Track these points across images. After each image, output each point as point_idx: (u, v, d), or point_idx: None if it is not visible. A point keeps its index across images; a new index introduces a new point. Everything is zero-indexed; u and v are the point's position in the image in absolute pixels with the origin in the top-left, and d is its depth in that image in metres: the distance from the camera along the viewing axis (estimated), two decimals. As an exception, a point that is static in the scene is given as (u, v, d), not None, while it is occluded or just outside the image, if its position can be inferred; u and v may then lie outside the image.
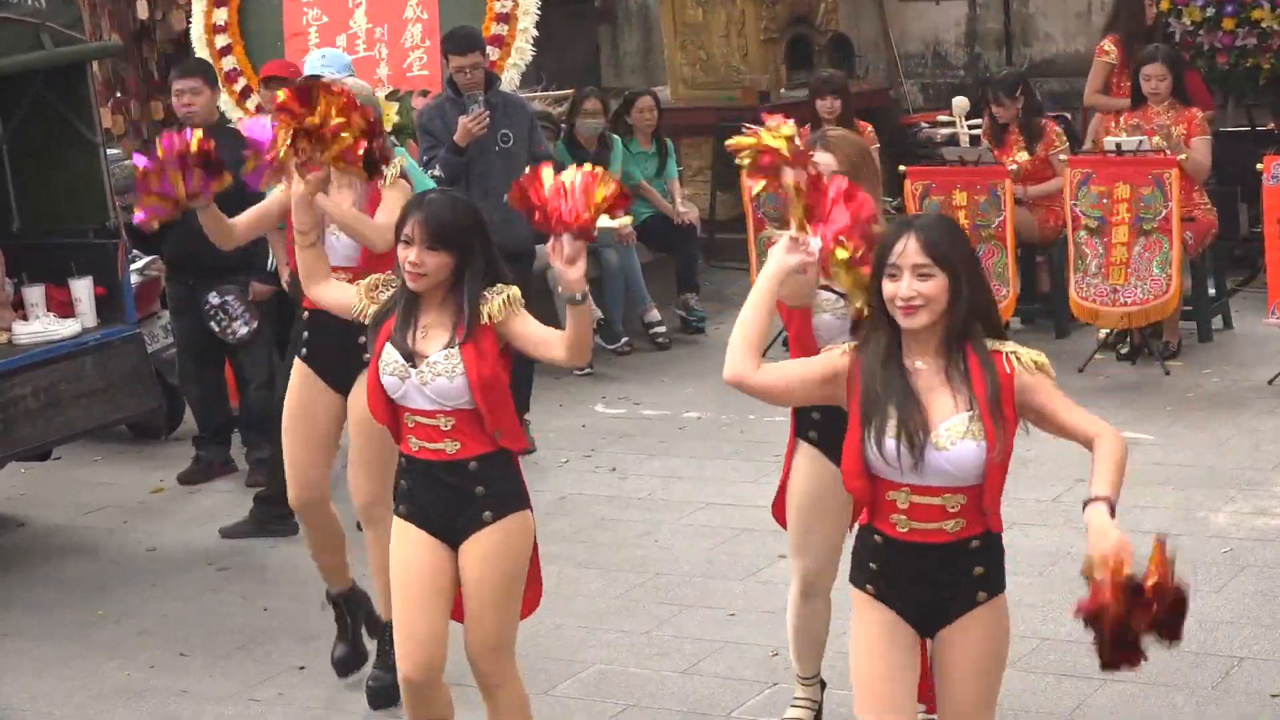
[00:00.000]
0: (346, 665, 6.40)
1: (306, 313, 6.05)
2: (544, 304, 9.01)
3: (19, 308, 8.01)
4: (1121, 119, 10.17)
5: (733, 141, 4.50)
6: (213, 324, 8.69)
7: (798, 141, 4.37)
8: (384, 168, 5.44)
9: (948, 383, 4.08)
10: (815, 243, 4.21)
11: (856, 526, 4.30)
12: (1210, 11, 11.46)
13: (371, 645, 6.39)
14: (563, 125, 11.36)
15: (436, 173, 8.68)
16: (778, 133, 4.37)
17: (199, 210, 5.66)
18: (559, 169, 4.48)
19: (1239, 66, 11.53)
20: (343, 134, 5.10)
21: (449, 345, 4.76)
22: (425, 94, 9.72)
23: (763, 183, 4.42)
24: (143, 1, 11.00)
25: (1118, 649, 3.81)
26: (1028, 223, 10.44)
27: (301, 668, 6.57)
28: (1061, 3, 13.89)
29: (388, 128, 6.57)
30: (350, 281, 5.25)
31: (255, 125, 5.95)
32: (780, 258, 4.24)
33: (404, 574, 4.90)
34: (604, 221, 4.41)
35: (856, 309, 4.27)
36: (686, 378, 10.37)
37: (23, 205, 8.38)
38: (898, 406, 4.05)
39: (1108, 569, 3.79)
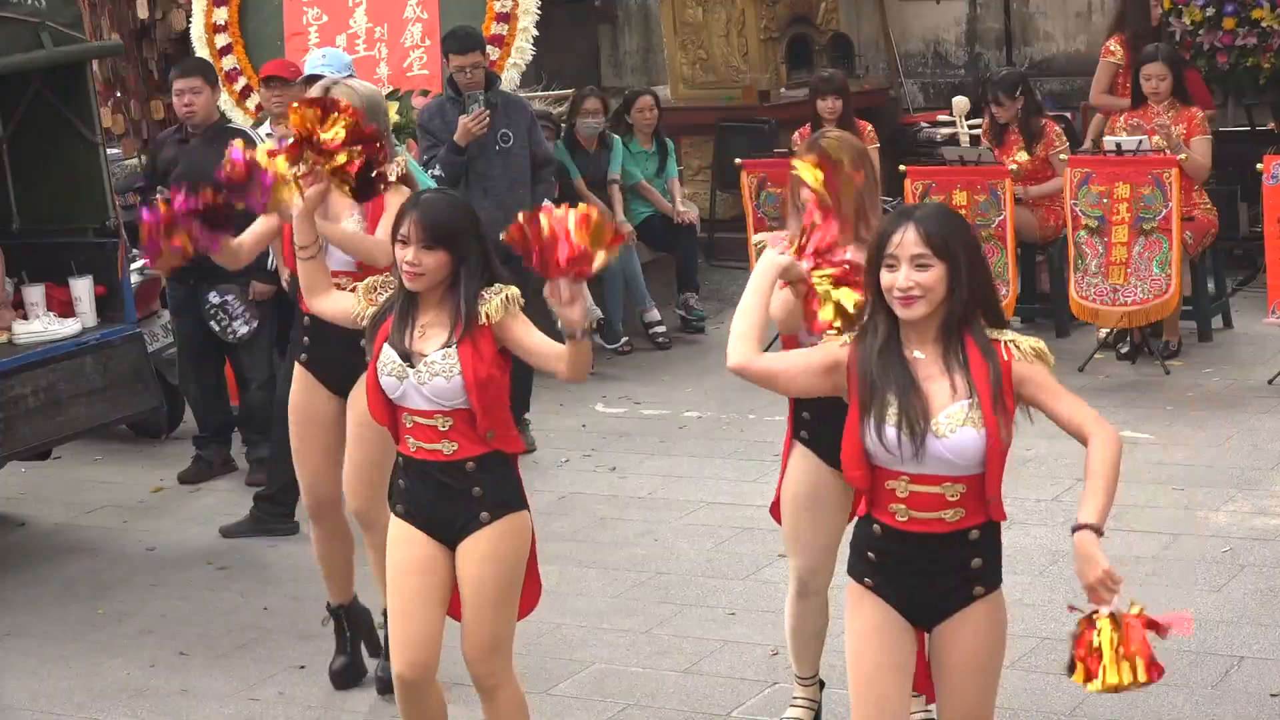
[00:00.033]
0: (344, 678, 6.36)
1: (306, 318, 6.03)
2: (543, 303, 8.98)
3: (19, 307, 8.01)
4: (1122, 118, 10.17)
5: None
6: (213, 323, 8.69)
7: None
8: (381, 186, 5.42)
9: (946, 371, 4.09)
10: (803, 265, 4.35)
11: (856, 519, 4.30)
12: (1210, 11, 11.46)
13: (371, 664, 6.39)
14: (563, 125, 11.36)
15: (437, 172, 8.69)
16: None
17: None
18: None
19: (1239, 66, 11.53)
20: (340, 154, 5.12)
21: (446, 345, 4.76)
22: (425, 94, 9.73)
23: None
24: (143, 1, 11.01)
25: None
26: (1028, 222, 10.44)
27: (301, 666, 6.57)
28: (1061, 3, 13.90)
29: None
30: (351, 286, 5.25)
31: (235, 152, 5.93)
32: (772, 255, 4.31)
33: (400, 573, 4.90)
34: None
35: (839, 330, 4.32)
36: (686, 377, 10.38)
37: (23, 204, 8.38)
38: (898, 394, 4.05)
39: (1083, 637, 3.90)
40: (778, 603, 5.63)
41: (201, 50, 10.32)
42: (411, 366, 4.77)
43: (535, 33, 10.06)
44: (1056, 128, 10.67)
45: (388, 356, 4.82)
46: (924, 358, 4.11)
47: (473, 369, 4.72)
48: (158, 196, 5.60)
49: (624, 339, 11.01)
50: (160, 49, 11.14)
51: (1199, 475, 8.03)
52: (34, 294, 7.95)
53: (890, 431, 4.05)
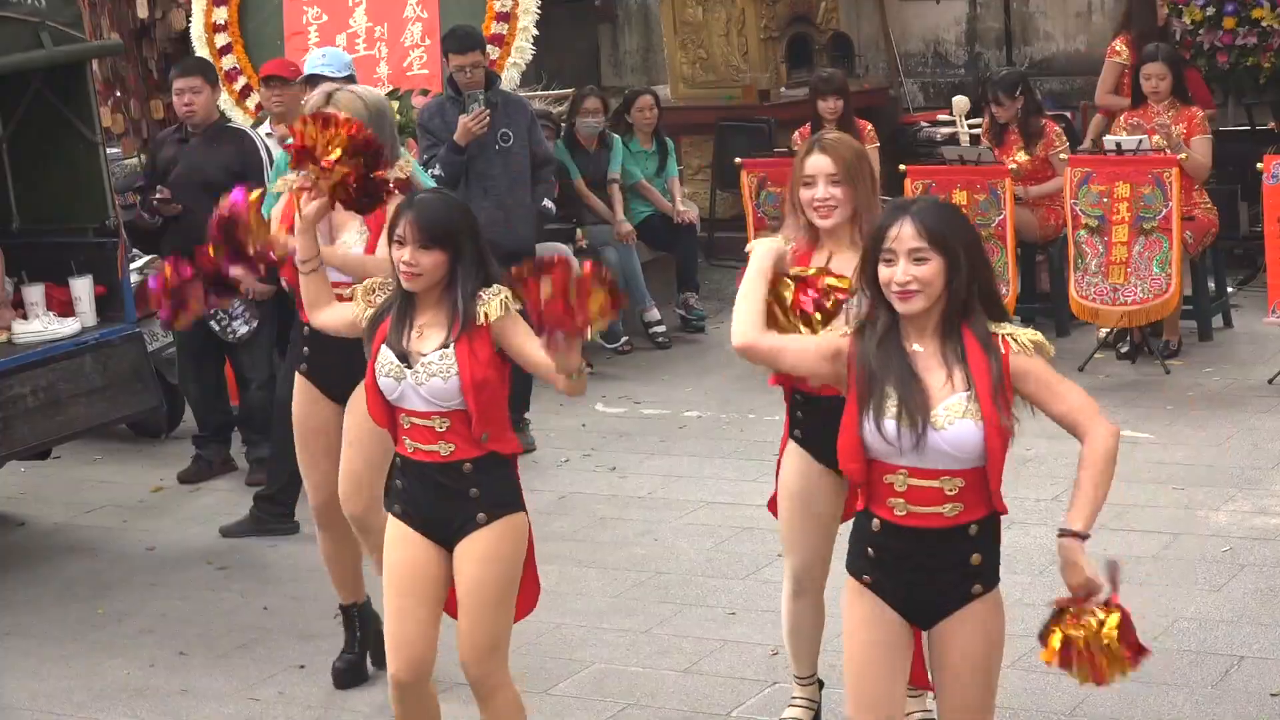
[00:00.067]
0: (345, 678, 6.35)
1: (306, 327, 6.00)
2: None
3: (19, 307, 8.01)
4: (1122, 118, 10.17)
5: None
6: (212, 323, 8.68)
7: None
8: (384, 195, 5.41)
9: (944, 364, 4.08)
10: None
11: (855, 514, 4.30)
12: (1210, 10, 11.46)
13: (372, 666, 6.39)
14: (563, 125, 11.36)
15: (436, 172, 8.69)
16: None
17: None
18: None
19: (1239, 66, 11.54)
20: (337, 169, 5.13)
21: (444, 345, 4.76)
22: (425, 93, 9.73)
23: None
24: (142, 1, 11.00)
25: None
26: (1028, 222, 10.43)
27: (301, 666, 6.56)
28: (1061, 2, 13.90)
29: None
30: (351, 294, 5.24)
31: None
32: (769, 241, 4.40)
33: (396, 573, 4.89)
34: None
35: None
36: (686, 377, 10.38)
37: (23, 204, 8.38)
38: (898, 386, 4.04)
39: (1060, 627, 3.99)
40: (777, 602, 5.63)
41: (201, 50, 10.31)
42: (409, 367, 4.77)
43: (535, 32, 10.06)
44: (1056, 127, 10.67)
45: (385, 357, 4.81)
46: (923, 351, 4.10)
47: (470, 369, 4.72)
48: (163, 260, 5.65)
49: (624, 338, 11.00)
50: (160, 48, 11.13)
51: (1199, 475, 8.03)
52: (34, 293, 7.95)
53: (890, 424, 4.04)
